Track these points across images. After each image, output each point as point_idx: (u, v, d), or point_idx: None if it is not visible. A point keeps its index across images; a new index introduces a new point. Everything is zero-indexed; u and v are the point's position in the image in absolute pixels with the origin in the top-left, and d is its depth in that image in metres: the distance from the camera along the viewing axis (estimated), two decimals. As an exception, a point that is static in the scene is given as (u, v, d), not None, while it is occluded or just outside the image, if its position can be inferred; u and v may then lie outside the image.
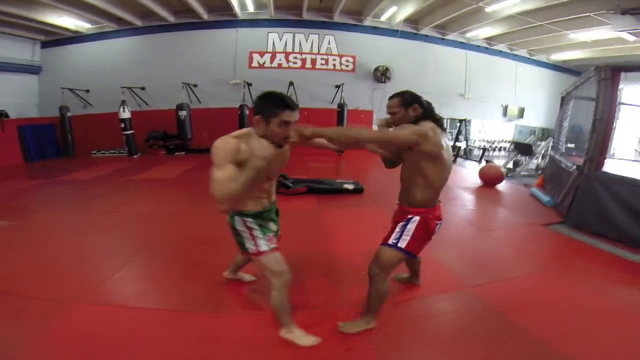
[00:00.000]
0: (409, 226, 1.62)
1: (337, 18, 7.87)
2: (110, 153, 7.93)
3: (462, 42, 8.34)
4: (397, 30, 7.94)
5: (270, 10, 7.74)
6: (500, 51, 8.65)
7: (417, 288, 2.14)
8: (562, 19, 5.77)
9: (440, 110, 6.33)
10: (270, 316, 1.69)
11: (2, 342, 1.58)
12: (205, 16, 7.72)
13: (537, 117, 9.26)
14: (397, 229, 1.65)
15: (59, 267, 2.36)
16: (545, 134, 8.79)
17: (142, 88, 7.95)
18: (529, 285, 2.22)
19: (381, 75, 8.01)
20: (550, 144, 6.00)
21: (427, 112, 1.58)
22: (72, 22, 7.44)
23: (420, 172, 1.55)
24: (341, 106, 7.32)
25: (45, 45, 8.09)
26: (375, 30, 8.07)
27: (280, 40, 8.16)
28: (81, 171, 6.21)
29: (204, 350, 1.57)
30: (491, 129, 9.23)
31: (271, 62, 8.19)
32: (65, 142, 7.64)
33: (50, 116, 8.07)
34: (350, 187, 4.19)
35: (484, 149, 7.31)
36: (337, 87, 8.03)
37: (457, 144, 8.02)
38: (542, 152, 6.01)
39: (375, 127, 1.66)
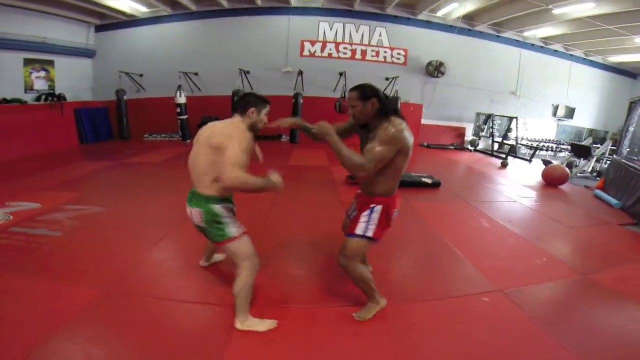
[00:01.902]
0: (373, 215, 1.74)
1: (390, 10, 8.14)
2: (162, 137, 8.43)
3: (516, 40, 8.58)
4: (454, 27, 8.21)
5: (321, -2, 8.05)
6: (556, 50, 8.87)
7: (533, 276, 2.51)
8: (633, 24, 5.98)
9: (490, 107, 6.80)
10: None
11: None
12: (259, 1, 8.02)
13: (587, 118, 9.52)
14: (362, 219, 1.76)
15: (196, 260, 2.42)
16: (593, 135, 9.06)
17: (196, 73, 8.35)
18: (630, 275, 2.64)
19: (434, 69, 8.31)
20: (609, 147, 6.33)
21: (385, 107, 1.65)
22: (127, 4, 7.83)
23: (390, 165, 1.63)
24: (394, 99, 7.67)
25: (99, 29, 8.50)
26: (429, 24, 8.34)
27: (331, 29, 8.48)
28: (142, 154, 6.67)
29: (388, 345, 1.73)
30: (533, 128, 9.46)
31: (321, 51, 8.52)
32: (121, 125, 8.13)
33: (102, 100, 8.57)
34: (429, 181, 4.62)
35: (536, 148, 7.64)
36: (387, 79, 8.36)
37: (506, 141, 8.37)
38: (599, 154, 6.33)
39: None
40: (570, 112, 9.06)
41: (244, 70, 8.15)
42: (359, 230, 1.75)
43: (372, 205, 1.75)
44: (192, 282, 2.22)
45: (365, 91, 1.64)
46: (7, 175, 4.90)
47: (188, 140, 8.09)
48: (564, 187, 5.52)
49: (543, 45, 8.75)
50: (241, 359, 1.58)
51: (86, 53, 8.45)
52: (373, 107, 1.63)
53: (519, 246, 3.06)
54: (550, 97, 9.10)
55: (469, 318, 1.98)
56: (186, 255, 2.54)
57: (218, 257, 2.42)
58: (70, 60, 8.11)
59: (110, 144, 8.11)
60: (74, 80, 8.21)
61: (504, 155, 7.73)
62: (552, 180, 5.47)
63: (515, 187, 5.32)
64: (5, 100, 6.79)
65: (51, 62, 7.72)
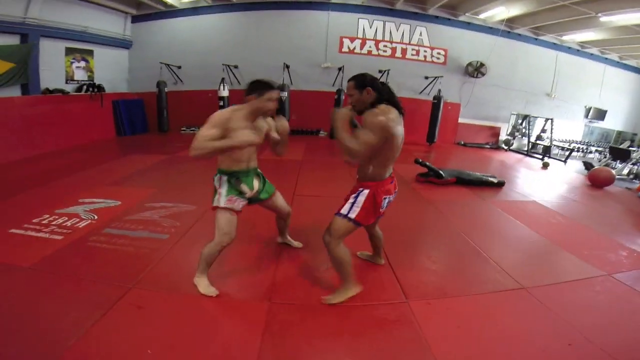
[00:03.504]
0: (359, 198, 1.87)
1: (432, 11, 8.53)
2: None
3: (554, 44, 9.10)
4: (495, 29, 8.67)
5: (364, -5, 8.38)
6: (592, 54, 9.44)
7: (625, 264, 3.02)
8: None
9: (526, 108, 7.50)
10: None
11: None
12: (300, -5, 8.33)
13: (617, 120, 10.18)
14: (350, 200, 1.91)
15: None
16: (621, 137, 9.73)
17: (236, 66, 8.63)
18: None
19: (474, 70, 8.79)
20: (647, 150, 6.93)
21: (382, 96, 1.78)
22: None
23: (378, 152, 1.78)
24: (438, 98, 8.14)
25: (135, 19, 8.70)
26: (469, 25, 8.78)
27: (371, 27, 8.84)
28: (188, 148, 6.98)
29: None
30: (559, 129, 10.00)
31: (361, 48, 8.89)
32: (160, 118, 8.36)
33: (137, 91, 8.81)
34: (495, 180, 5.11)
35: (571, 150, 8.24)
36: (427, 78, 8.82)
37: (540, 142, 8.95)
38: (638, 158, 6.94)
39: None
40: (601, 114, 9.70)
41: (285, 65, 8.47)
42: (344, 210, 1.89)
43: (360, 189, 1.90)
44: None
45: (360, 80, 1.77)
46: (62, 168, 5.00)
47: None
48: (608, 188, 6.07)
49: (579, 48, 9.30)
50: (448, 347, 1.77)
51: (123, 44, 8.66)
52: (369, 95, 1.76)
53: (599, 239, 3.52)
54: (583, 99, 9.69)
55: (600, 297, 2.41)
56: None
57: (294, 243, 2.73)
58: (108, 51, 8.33)
59: (147, 136, 8.36)
60: (111, 71, 8.44)
61: (539, 156, 8.30)
62: (598, 182, 6.02)
63: (565, 187, 5.86)
64: (48, 91, 7.03)
65: (91, 52, 7.93)
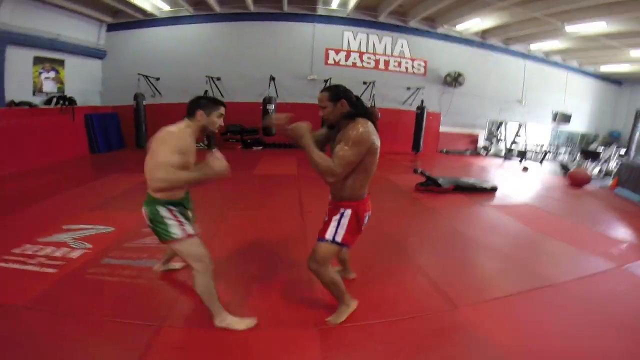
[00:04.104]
0: (342, 220, 1.79)
1: (412, 24, 8.87)
2: (183, 145, 8.35)
3: (522, 53, 9.79)
4: (471, 40, 9.21)
5: (347, 9, 8.50)
6: (555, 62, 10.25)
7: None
8: (633, 39, 7.12)
9: (500, 115, 8.03)
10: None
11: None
12: (285, 7, 8.25)
13: (581, 123, 11.07)
14: (332, 224, 1.81)
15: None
16: (585, 139, 10.56)
17: (218, 78, 8.40)
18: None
19: (452, 80, 9.20)
20: (614, 151, 7.57)
21: (356, 108, 1.73)
22: (150, 1, 7.69)
23: (360, 167, 1.71)
24: (421, 108, 8.40)
25: (111, 28, 8.25)
26: (447, 37, 9.22)
27: (355, 39, 9.01)
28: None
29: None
30: (530, 133, 10.69)
31: (346, 60, 9.02)
32: (139, 133, 7.89)
33: (111, 105, 8.30)
34: (489, 186, 5.30)
35: (546, 152, 8.81)
36: (409, 89, 9.09)
37: (514, 146, 9.49)
38: (607, 157, 7.55)
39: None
40: (567, 118, 10.51)
41: (271, 77, 8.37)
42: (328, 235, 1.80)
43: (341, 210, 1.81)
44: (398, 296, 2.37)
45: (335, 92, 1.72)
46: (34, 190, 4.51)
47: (214, 149, 8.11)
48: (584, 187, 6.51)
49: (545, 57, 10.06)
50: (517, 347, 1.78)
51: (96, 53, 8.17)
52: (343, 107, 1.71)
53: (596, 234, 3.78)
54: (550, 104, 10.46)
55: (621, 288, 2.57)
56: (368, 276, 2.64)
57: (175, 265, 2.50)
58: (80, 61, 7.81)
59: (125, 153, 7.88)
60: (82, 82, 7.89)
61: (517, 159, 8.77)
62: (577, 182, 6.44)
63: (548, 188, 6.19)
64: (14, 103, 6.42)
65: (61, 62, 7.38)
